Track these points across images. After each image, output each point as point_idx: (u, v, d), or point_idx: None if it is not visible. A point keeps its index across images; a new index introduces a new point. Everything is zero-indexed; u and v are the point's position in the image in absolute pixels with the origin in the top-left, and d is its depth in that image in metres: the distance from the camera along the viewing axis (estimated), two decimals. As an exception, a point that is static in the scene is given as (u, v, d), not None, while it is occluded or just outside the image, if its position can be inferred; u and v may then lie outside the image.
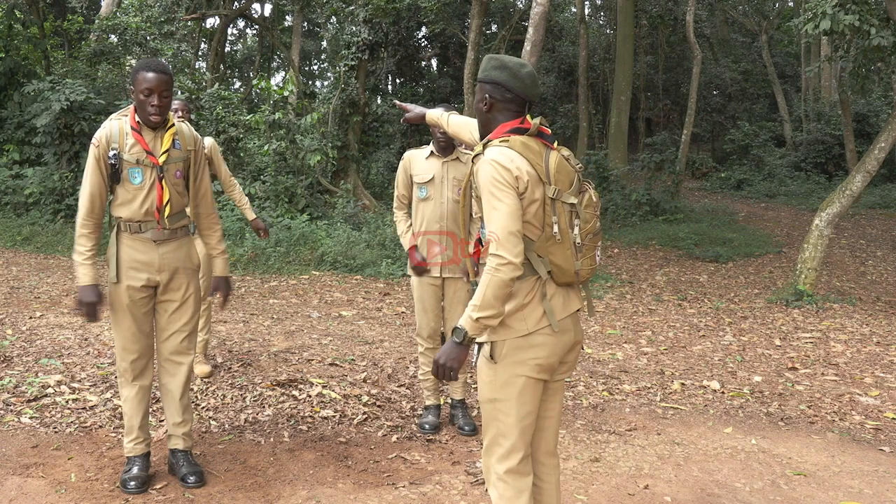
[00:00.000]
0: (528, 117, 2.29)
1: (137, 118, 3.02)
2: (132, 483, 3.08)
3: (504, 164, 2.13)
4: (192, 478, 3.15)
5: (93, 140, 3.03)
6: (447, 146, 3.88)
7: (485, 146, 2.23)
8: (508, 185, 2.12)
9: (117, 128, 3.02)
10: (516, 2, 21.73)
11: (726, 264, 11.27)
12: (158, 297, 3.16)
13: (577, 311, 2.32)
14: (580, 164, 2.30)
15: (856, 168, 8.69)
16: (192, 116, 4.46)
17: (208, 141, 4.46)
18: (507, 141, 2.19)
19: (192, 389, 4.28)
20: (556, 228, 2.15)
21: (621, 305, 8.29)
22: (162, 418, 3.79)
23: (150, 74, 2.92)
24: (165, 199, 3.03)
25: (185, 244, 3.19)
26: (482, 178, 2.16)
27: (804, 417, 4.60)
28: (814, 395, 5.03)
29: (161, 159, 3.02)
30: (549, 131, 2.29)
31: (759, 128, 22.35)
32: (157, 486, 3.13)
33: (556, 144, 2.27)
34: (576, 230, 2.19)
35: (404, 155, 4.03)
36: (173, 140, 3.07)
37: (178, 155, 3.09)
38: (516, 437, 2.21)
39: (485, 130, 2.33)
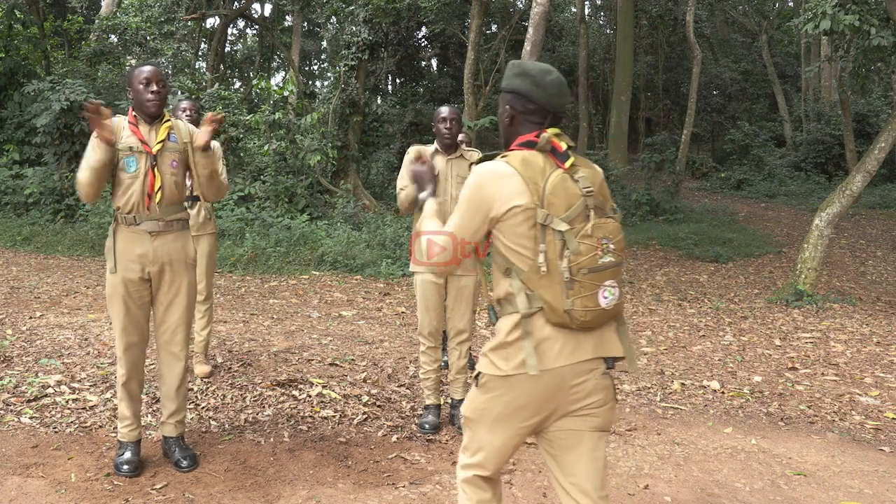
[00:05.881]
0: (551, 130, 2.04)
1: (135, 113, 3.19)
2: (125, 466, 3.19)
3: (484, 181, 1.98)
4: (185, 462, 3.26)
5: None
6: (452, 144, 3.91)
7: (483, 158, 2.06)
8: (478, 202, 1.99)
9: (116, 121, 3.20)
10: (516, 2, 21.71)
11: (726, 264, 11.27)
12: (153, 290, 3.24)
13: (597, 359, 1.98)
14: (590, 188, 1.96)
15: (856, 168, 8.69)
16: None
17: (214, 144, 4.45)
18: (507, 157, 1.99)
19: (191, 389, 4.29)
20: (541, 258, 1.91)
21: (621, 305, 8.28)
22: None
23: (146, 67, 3.18)
24: (157, 187, 3.15)
25: (180, 238, 3.28)
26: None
27: (804, 417, 4.60)
28: (814, 395, 5.03)
29: (155, 148, 3.15)
30: (563, 147, 1.99)
31: (759, 128, 22.37)
32: (158, 486, 3.13)
33: (568, 163, 1.97)
34: (564, 262, 1.89)
35: (409, 149, 4.03)
36: (168, 133, 3.22)
37: (174, 146, 3.23)
38: (481, 457, 2.09)
39: (507, 146, 2.11)
